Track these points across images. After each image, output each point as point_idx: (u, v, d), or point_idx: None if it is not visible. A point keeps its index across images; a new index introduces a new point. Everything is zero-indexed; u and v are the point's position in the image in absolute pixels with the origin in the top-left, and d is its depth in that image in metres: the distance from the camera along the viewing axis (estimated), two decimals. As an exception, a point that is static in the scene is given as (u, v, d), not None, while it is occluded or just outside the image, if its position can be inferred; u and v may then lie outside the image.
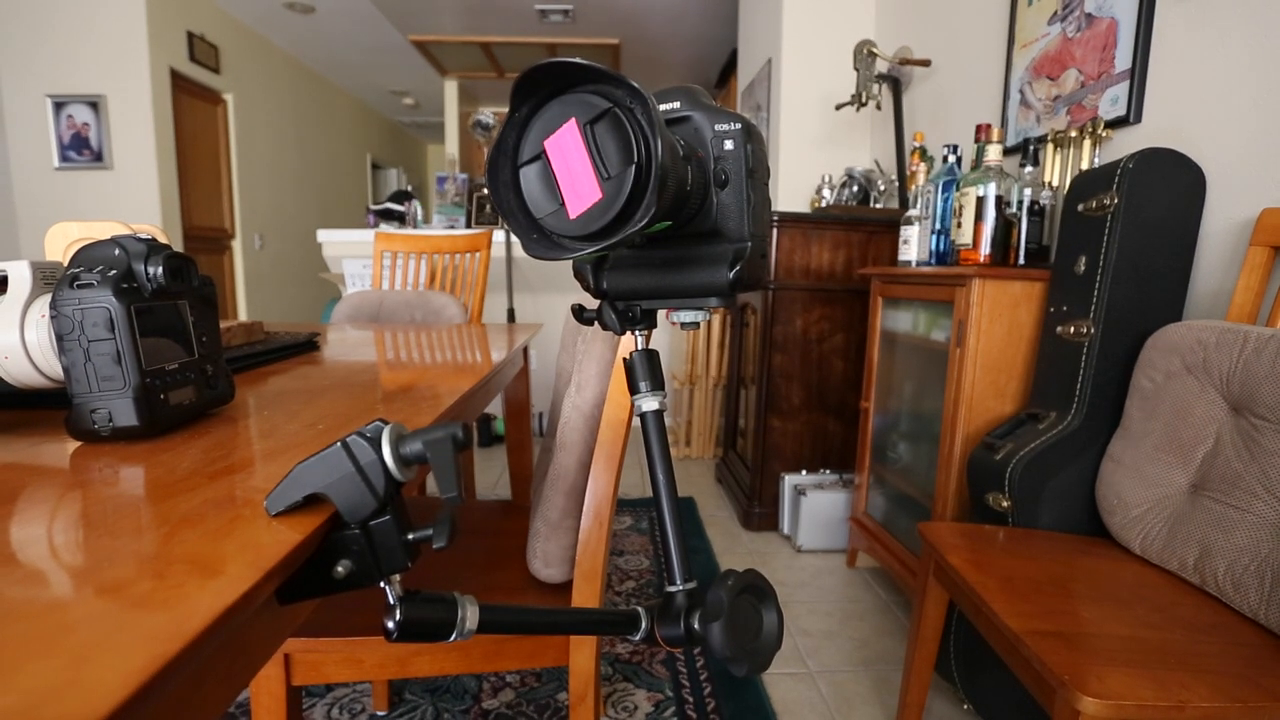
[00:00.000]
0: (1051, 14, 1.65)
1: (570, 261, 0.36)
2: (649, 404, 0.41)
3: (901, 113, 2.25)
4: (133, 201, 3.95)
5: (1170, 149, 1.17)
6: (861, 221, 2.14)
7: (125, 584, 0.29)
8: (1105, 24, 1.46)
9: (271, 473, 0.45)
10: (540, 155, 0.33)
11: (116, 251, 0.51)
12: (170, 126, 4.06)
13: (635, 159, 0.31)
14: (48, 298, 0.52)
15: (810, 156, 2.81)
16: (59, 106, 3.82)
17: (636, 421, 0.48)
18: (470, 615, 0.36)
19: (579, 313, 0.43)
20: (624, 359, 0.43)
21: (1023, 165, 1.48)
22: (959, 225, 1.52)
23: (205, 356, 0.58)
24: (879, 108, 2.34)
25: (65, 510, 0.38)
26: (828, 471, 2.20)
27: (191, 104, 4.32)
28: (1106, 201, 1.19)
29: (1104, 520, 1.11)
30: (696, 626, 0.38)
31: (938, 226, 1.65)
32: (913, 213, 1.72)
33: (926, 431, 1.61)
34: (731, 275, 0.38)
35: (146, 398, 0.51)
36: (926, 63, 2.22)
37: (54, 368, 0.53)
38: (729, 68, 5.04)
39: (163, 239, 0.57)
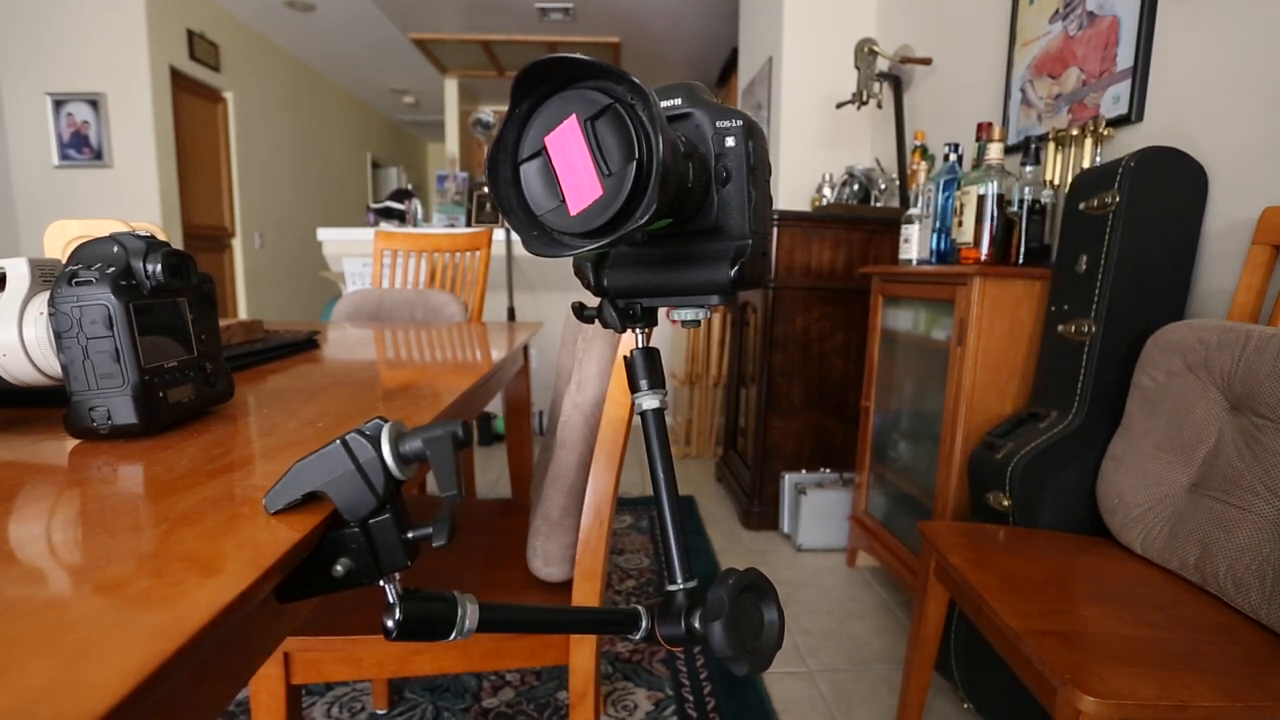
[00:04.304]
0: (1053, 12, 1.64)
1: (570, 259, 0.36)
2: (649, 402, 0.41)
3: (902, 111, 2.25)
4: (132, 200, 3.95)
5: (1172, 148, 1.17)
6: (862, 220, 2.14)
7: (123, 582, 0.29)
8: (1107, 22, 1.46)
9: (270, 471, 0.44)
10: (541, 152, 0.33)
11: (115, 249, 0.51)
12: (170, 125, 4.05)
13: (636, 155, 0.31)
14: (46, 295, 0.52)
15: (811, 155, 2.80)
16: (59, 105, 3.81)
17: (637, 420, 0.48)
18: (470, 614, 0.36)
19: (579, 310, 0.43)
20: (624, 357, 0.43)
21: (1024, 164, 1.47)
22: (960, 224, 1.52)
23: (204, 354, 0.58)
24: (880, 106, 2.33)
25: (63, 508, 0.38)
26: (828, 470, 2.20)
27: (191, 102, 4.32)
28: (1108, 200, 1.19)
29: (1105, 520, 1.11)
30: (697, 625, 0.38)
31: (938, 225, 1.65)
32: (913, 211, 1.71)
33: (927, 430, 1.61)
34: (733, 273, 0.37)
35: (145, 396, 0.50)
36: (927, 61, 2.22)
37: (52, 365, 0.53)
38: (729, 66, 5.04)
39: (162, 237, 0.57)
